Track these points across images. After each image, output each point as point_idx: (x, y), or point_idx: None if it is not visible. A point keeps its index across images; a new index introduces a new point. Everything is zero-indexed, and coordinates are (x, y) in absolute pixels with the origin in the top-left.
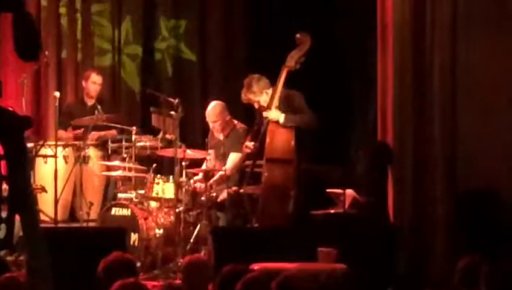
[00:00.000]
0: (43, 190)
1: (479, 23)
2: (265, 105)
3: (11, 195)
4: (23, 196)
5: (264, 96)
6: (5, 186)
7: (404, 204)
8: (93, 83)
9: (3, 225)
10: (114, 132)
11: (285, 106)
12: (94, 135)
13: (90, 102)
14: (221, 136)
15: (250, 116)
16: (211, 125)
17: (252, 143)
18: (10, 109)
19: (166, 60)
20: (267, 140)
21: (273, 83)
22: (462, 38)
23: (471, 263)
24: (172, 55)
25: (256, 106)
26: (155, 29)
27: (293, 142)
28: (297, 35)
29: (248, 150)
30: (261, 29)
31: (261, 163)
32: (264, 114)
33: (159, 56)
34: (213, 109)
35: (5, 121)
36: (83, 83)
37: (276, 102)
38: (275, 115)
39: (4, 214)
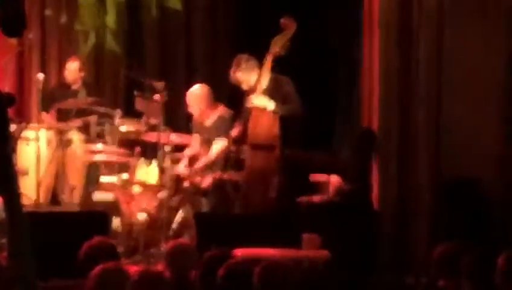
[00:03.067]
0: (25, 172)
1: (465, 11)
2: (252, 98)
3: None
4: (5, 175)
5: (253, 76)
6: None
7: (388, 191)
8: (68, 70)
9: None
10: (94, 117)
11: (274, 90)
12: (75, 122)
13: (74, 86)
14: (206, 122)
15: (236, 102)
16: (188, 108)
17: (234, 130)
18: None
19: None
20: (250, 126)
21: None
22: (448, 26)
23: (446, 251)
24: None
25: (244, 86)
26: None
27: (276, 128)
28: (282, 20)
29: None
30: (246, 15)
31: (245, 148)
32: (253, 100)
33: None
34: (192, 92)
35: None
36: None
37: (261, 88)
38: (261, 101)
39: None
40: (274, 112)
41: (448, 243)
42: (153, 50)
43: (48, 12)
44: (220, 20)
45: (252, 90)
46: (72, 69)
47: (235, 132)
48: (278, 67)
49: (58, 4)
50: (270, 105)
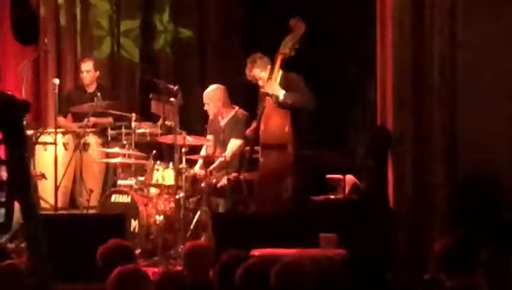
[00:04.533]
0: (43, 176)
1: (479, 3)
2: (263, 86)
3: (10, 179)
4: (22, 180)
5: (266, 77)
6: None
7: (404, 189)
8: (82, 72)
9: (2, 209)
10: (110, 119)
11: (285, 89)
12: (90, 121)
13: (89, 89)
14: (221, 123)
15: (250, 104)
16: (205, 107)
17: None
18: (9, 92)
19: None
20: (262, 126)
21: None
22: (461, 18)
23: (446, 246)
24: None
25: (261, 83)
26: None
27: (287, 128)
28: (291, 21)
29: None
30: (256, 17)
31: (259, 149)
32: (264, 89)
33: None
34: (208, 91)
35: (4, 105)
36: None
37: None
38: (273, 89)
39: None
40: (284, 100)
41: (448, 238)
42: (167, 54)
43: (62, 20)
44: (233, 21)
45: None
46: (88, 69)
47: (249, 131)
48: (291, 64)
49: (72, 9)
50: (281, 93)
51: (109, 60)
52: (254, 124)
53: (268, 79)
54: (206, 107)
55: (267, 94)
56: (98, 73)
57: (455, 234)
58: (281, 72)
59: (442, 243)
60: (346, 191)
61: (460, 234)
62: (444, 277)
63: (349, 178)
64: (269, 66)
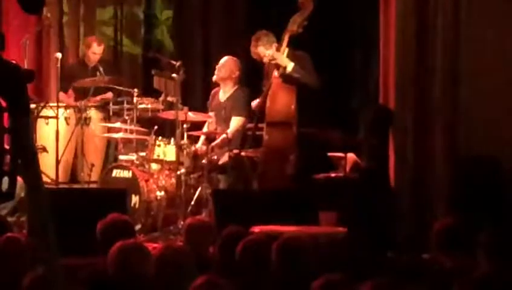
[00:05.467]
0: (44, 149)
1: None
2: (274, 58)
3: (13, 147)
4: (25, 149)
5: (274, 50)
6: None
7: (405, 168)
8: (94, 53)
9: (5, 178)
10: (110, 94)
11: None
12: (90, 100)
13: (91, 64)
14: (222, 99)
15: (253, 80)
16: (214, 76)
17: (254, 103)
18: (13, 61)
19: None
20: (268, 103)
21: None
22: (466, 4)
23: (447, 225)
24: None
25: (265, 60)
26: None
27: (293, 106)
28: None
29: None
30: None
31: (263, 126)
32: (275, 55)
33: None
34: (229, 58)
35: (8, 73)
36: (85, 49)
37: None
38: (285, 59)
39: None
40: (291, 73)
41: (448, 218)
42: (171, 30)
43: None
44: (237, 1)
45: (273, 58)
46: (100, 52)
47: (254, 106)
48: (297, 43)
49: None
50: (290, 65)
51: (112, 34)
52: (258, 100)
53: (277, 51)
54: (216, 72)
55: (276, 64)
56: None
57: (455, 214)
58: (287, 49)
59: (442, 224)
60: (347, 169)
61: (459, 215)
62: (444, 257)
63: (351, 156)
64: (275, 44)
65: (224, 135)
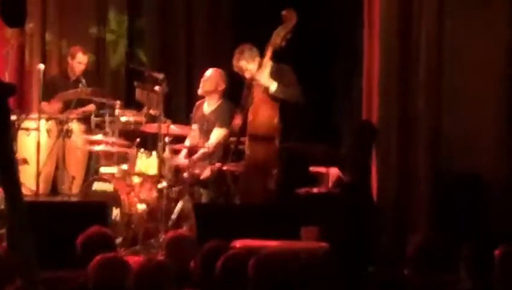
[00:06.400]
0: (25, 162)
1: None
2: (256, 74)
3: None
4: (6, 164)
5: (256, 64)
6: None
7: (388, 184)
8: (79, 63)
9: None
10: (92, 107)
11: (276, 80)
12: (72, 112)
13: (74, 76)
14: (206, 111)
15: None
16: (200, 89)
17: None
18: None
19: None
20: (250, 117)
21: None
22: (449, 16)
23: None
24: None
25: (247, 75)
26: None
27: (276, 120)
28: (284, 12)
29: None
30: (246, 6)
31: (245, 140)
32: (256, 76)
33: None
34: (217, 69)
35: None
36: (69, 59)
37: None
38: (267, 80)
39: None
40: (275, 93)
41: (423, 234)
42: (154, 41)
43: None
44: (221, 12)
45: (256, 70)
46: (84, 62)
47: (236, 122)
48: (279, 56)
49: None
50: (272, 85)
51: (95, 45)
52: (239, 115)
53: (259, 67)
54: (201, 85)
55: (258, 83)
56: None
57: (435, 230)
58: (270, 62)
59: (415, 240)
60: (330, 184)
61: (441, 231)
62: (424, 274)
63: (333, 171)
64: (257, 58)
65: (204, 149)
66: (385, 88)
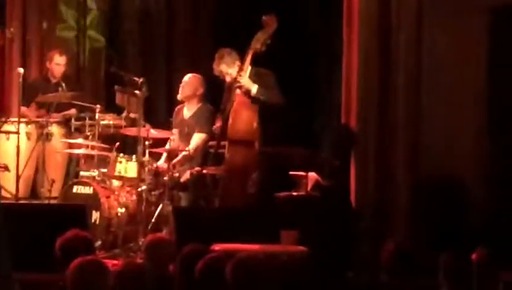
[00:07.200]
0: (6, 169)
1: (444, 5)
2: (236, 78)
3: None
4: None
5: (236, 68)
6: None
7: (366, 188)
8: (57, 64)
9: None
10: (73, 111)
11: (256, 83)
12: (54, 116)
13: (54, 79)
14: (186, 116)
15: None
16: (179, 94)
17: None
18: None
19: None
20: (230, 121)
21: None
22: (427, 21)
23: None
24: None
25: (228, 78)
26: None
27: (255, 124)
28: (264, 17)
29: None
30: (226, 11)
31: (225, 144)
32: (238, 78)
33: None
34: (195, 75)
35: None
36: (47, 63)
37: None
38: (248, 82)
39: None
40: (257, 94)
41: (397, 241)
42: (134, 46)
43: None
44: (201, 16)
45: (238, 73)
46: (63, 62)
47: (216, 126)
48: (259, 60)
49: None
50: (254, 87)
51: (75, 49)
52: (219, 119)
53: (239, 72)
54: (180, 90)
55: (240, 86)
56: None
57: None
58: (250, 67)
59: (389, 248)
60: (309, 188)
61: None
62: (402, 279)
63: (312, 175)
64: (237, 62)
65: (185, 152)
66: (364, 92)
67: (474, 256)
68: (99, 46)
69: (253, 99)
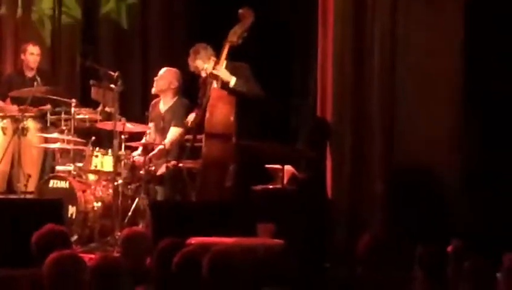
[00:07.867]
0: None
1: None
2: (213, 72)
3: None
4: None
5: (212, 63)
6: None
7: (342, 180)
8: (31, 54)
9: None
10: (48, 106)
11: (233, 76)
12: (30, 110)
13: (30, 74)
14: (162, 110)
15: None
16: (154, 88)
17: (191, 116)
18: None
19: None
20: (207, 114)
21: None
22: (402, 15)
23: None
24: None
25: (203, 74)
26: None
27: (232, 118)
28: (240, 11)
29: (188, 124)
30: (202, 5)
31: (202, 137)
32: (214, 71)
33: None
34: (170, 69)
35: None
36: (22, 56)
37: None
38: (226, 74)
39: None
40: (235, 86)
41: (373, 233)
42: (109, 40)
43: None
44: (176, 10)
45: (211, 75)
46: (36, 52)
47: (192, 119)
48: (236, 54)
49: None
50: (232, 79)
51: (50, 43)
52: (196, 112)
53: (215, 65)
54: (154, 84)
55: (216, 77)
56: (40, 58)
57: (390, 226)
58: (226, 61)
59: (364, 241)
60: (285, 181)
61: (396, 227)
62: (378, 271)
63: (288, 168)
64: (213, 58)
65: (161, 146)
66: (339, 85)
67: (449, 248)
68: (74, 23)
69: (232, 92)
